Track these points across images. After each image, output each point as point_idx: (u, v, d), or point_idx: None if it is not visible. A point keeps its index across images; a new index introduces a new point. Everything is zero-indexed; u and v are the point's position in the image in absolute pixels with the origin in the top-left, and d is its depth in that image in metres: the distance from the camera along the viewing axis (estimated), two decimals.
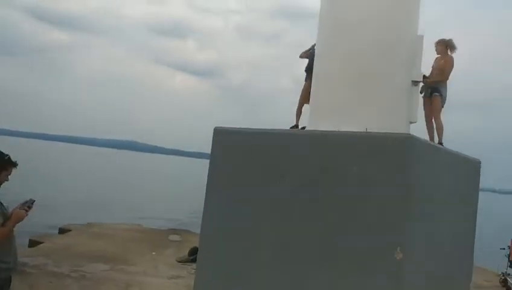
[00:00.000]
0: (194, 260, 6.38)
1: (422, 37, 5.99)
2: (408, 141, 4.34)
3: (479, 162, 6.47)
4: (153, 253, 8.11)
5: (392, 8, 5.56)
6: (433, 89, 5.39)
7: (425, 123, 5.69)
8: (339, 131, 4.92)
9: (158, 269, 7.02)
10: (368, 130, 5.06)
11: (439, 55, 5.49)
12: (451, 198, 5.38)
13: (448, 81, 5.95)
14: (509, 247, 8.99)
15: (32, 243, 7.93)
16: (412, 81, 5.74)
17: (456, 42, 5.54)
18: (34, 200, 3.26)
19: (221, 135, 5.86)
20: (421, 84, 5.65)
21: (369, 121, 5.23)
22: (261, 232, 5.18)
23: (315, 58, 6.07)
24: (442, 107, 5.46)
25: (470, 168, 6.08)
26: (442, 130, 5.41)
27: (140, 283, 6.05)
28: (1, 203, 3.10)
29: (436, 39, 5.93)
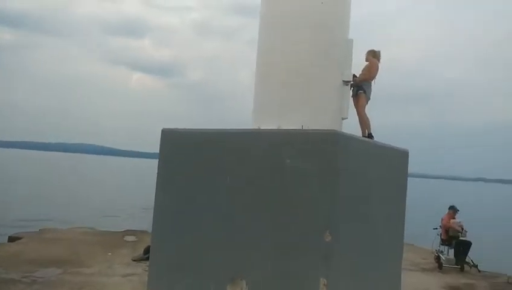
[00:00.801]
0: (149, 258, 6.61)
1: (352, 40, 6.55)
2: (334, 136, 4.84)
3: (407, 152, 7.15)
4: (109, 254, 8.23)
5: (325, 13, 6.07)
6: (359, 88, 5.93)
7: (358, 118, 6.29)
8: (275, 129, 5.36)
9: (113, 268, 7.17)
10: (304, 127, 5.55)
11: (367, 62, 6.11)
12: (380, 185, 5.97)
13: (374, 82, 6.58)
14: (440, 227, 9.85)
15: None
16: (343, 81, 6.29)
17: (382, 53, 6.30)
18: None
19: (168, 136, 6.17)
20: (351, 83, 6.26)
21: (305, 118, 5.72)
22: (206, 225, 5.55)
23: (257, 58, 6.45)
24: (366, 103, 5.98)
25: (398, 157, 6.73)
26: (367, 123, 5.91)
27: (94, 283, 6.20)
28: None
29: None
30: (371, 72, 6.21)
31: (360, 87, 6.05)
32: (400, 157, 6.77)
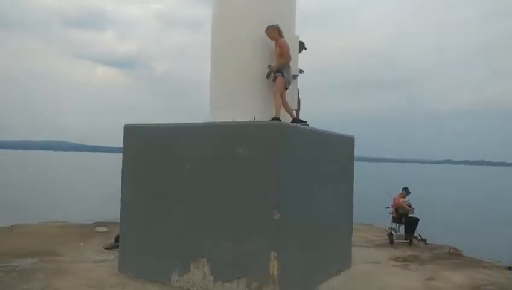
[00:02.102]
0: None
1: (298, 36, 7.21)
2: (280, 127, 5.52)
3: (353, 138, 7.92)
4: (81, 243, 8.65)
5: (271, 12, 6.65)
6: (277, 71, 6.13)
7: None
8: (229, 122, 5.96)
9: (86, 256, 7.61)
10: (256, 119, 6.18)
11: (274, 41, 6.22)
12: (325, 168, 6.69)
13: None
14: (392, 206, 10.74)
15: None
16: (292, 75, 6.91)
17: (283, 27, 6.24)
18: None
19: (130, 131, 6.70)
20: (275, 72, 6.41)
21: (257, 111, 6.35)
22: (169, 210, 6.16)
23: (210, 57, 6.94)
24: (287, 87, 6.22)
25: (343, 143, 7.47)
26: (280, 106, 6.05)
27: (69, 269, 6.64)
28: None
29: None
30: (285, 55, 6.14)
31: (278, 71, 6.14)
32: (346, 143, 7.52)
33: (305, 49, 7.14)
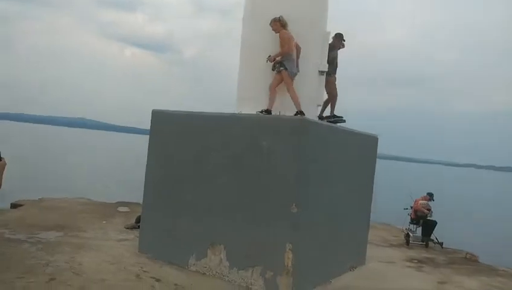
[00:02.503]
0: (140, 227, 7.35)
1: (329, 33, 7.22)
2: (301, 122, 5.58)
3: (377, 137, 7.91)
4: (104, 222, 8.97)
5: (302, 8, 6.70)
6: (280, 64, 6.10)
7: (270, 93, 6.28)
8: (254, 114, 6.07)
9: (108, 234, 7.92)
10: (281, 114, 6.26)
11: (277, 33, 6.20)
12: (348, 166, 6.73)
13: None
14: (411, 207, 10.68)
15: None
16: (319, 71, 6.97)
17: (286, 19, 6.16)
18: None
19: (158, 117, 6.89)
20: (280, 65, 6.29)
21: (284, 105, 6.42)
22: (190, 196, 6.34)
23: (241, 50, 7.04)
24: (292, 79, 6.19)
25: (366, 142, 7.48)
26: (297, 99, 6.07)
27: (92, 245, 6.93)
28: None
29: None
30: (284, 45, 6.04)
31: (281, 64, 6.06)
32: (369, 142, 7.52)
33: (344, 41, 7.21)
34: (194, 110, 6.61)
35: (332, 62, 6.92)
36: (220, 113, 6.31)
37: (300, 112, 5.95)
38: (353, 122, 7.20)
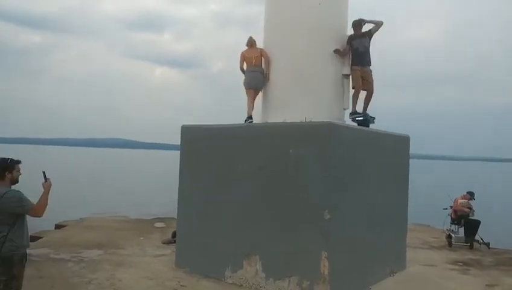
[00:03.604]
0: (176, 241, 7.45)
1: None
2: (329, 127, 5.55)
3: (408, 138, 7.74)
4: (141, 238, 9.17)
5: (323, 13, 6.70)
6: None
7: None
8: (280, 122, 6.08)
9: (145, 250, 8.08)
10: (308, 120, 6.25)
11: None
12: (379, 168, 6.61)
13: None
14: (451, 207, 10.29)
15: (32, 239, 8.87)
16: (343, 74, 6.92)
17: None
18: (43, 171, 4.17)
19: (187, 132, 7.01)
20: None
21: (310, 111, 6.42)
22: (223, 208, 6.39)
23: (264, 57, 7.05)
24: (247, 90, 6.91)
25: (397, 143, 7.33)
26: (248, 107, 6.88)
27: (130, 262, 7.10)
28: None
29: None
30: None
31: None
32: (400, 142, 7.35)
33: (360, 25, 6.77)
34: (222, 123, 6.68)
35: (355, 52, 6.54)
36: (246, 124, 6.36)
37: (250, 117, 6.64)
38: (385, 123, 6.96)
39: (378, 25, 6.57)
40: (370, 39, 6.55)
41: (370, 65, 6.59)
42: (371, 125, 6.78)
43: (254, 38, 6.93)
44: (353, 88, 6.62)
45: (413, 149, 7.61)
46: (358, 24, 6.56)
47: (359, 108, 6.72)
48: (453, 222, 10.15)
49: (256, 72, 6.73)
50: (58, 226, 10.50)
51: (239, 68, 6.97)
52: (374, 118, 6.74)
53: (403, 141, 7.43)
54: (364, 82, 6.53)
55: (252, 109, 6.82)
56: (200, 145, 6.75)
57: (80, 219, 11.53)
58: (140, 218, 12.25)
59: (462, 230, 10.00)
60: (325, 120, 5.99)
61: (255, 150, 6.03)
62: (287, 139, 5.69)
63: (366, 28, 6.69)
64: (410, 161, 7.57)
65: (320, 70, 6.71)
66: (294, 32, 6.64)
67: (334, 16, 6.74)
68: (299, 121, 6.07)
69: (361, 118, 6.60)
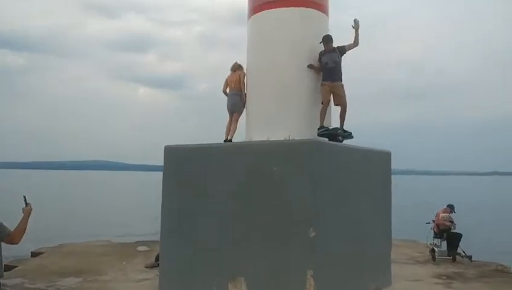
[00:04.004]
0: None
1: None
2: (312, 144, 5.55)
3: (389, 153, 7.80)
4: (124, 263, 8.93)
5: (303, 32, 6.77)
6: None
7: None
8: (264, 141, 6.06)
9: (128, 275, 7.87)
10: (291, 137, 6.25)
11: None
12: (362, 184, 6.62)
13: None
14: (433, 221, 10.38)
15: (7, 268, 8.54)
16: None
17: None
18: (24, 195, 4.06)
19: (170, 152, 6.93)
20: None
21: (293, 128, 6.43)
22: (207, 230, 6.28)
23: (248, 79, 7.09)
24: (229, 113, 7.11)
25: (379, 159, 7.38)
26: (230, 129, 7.05)
27: (111, 288, 6.89)
28: None
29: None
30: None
31: None
32: (382, 158, 7.41)
33: (326, 42, 6.60)
34: (207, 143, 6.62)
35: (325, 68, 6.44)
36: (229, 143, 6.32)
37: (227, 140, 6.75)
38: (365, 139, 6.92)
39: (355, 43, 6.62)
40: (342, 54, 6.54)
41: (341, 80, 6.51)
42: (351, 141, 6.76)
43: (239, 63, 7.07)
44: (322, 103, 6.45)
45: (395, 164, 7.68)
46: (327, 39, 6.50)
47: (332, 124, 6.73)
48: (436, 236, 10.22)
49: (234, 95, 6.92)
50: (34, 254, 10.13)
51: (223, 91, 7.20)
52: (350, 133, 6.60)
53: (384, 157, 7.49)
54: (335, 97, 6.43)
55: (231, 132, 6.84)
56: (184, 166, 6.67)
57: (59, 245, 11.18)
58: (123, 242, 11.97)
59: (445, 244, 10.07)
60: (308, 137, 6.02)
61: (240, 169, 5.98)
62: (270, 157, 5.66)
63: (343, 43, 6.70)
64: (393, 176, 7.63)
65: (303, 88, 6.76)
66: (276, 51, 6.71)
67: (316, 33, 6.82)
68: (282, 138, 6.08)
69: (325, 132, 6.31)
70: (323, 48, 6.58)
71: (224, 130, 7.00)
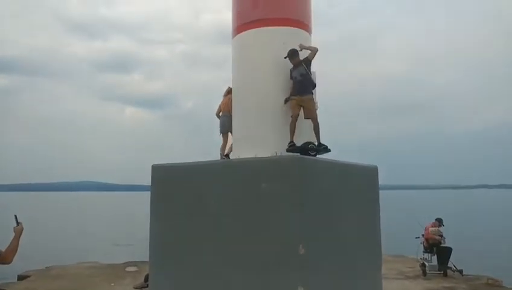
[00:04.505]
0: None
1: (315, 72, 7.36)
2: (298, 160, 5.58)
3: (376, 168, 7.88)
4: (112, 284, 8.80)
5: (287, 48, 6.86)
6: None
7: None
8: (251, 157, 6.09)
9: None
10: (278, 154, 6.28)
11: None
12: (350, 200, 6.66)
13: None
14: (422, 235, 10.45)
15: None
16: None
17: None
18: (15, 214, 4.02)
19: (157, 172, 6.91)
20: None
21: (278, 145, 6.45)
22: (196, 249, 6.22)
23: (232, 96, 7.19)
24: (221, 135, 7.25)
25: (366, 174, 7.44)
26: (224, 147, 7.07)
27: None
28: None
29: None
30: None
31: None
32: (369, 173, 7.47)
33: (291, 57, 6.47)
34: (193, 161, 6.63)
35: (294, 82, 6.40)
36: (215, 161, 6.35)
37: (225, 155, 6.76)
38: (348, 153, 6.95)
39: (313, 51, 6.56)
40: (309, 66, 6.52)
41: (310, 93, 6.40)
42: (339, 156, 6.75)
43: (231, 87, 7.18)
44: (291, 117, 6.32)
45: (382, 180, 7.75)
46: (290, 55, 6.41)
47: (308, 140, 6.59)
48: (425, 250, 10.28)
49: (224, 116, 7.12)
50: (21, 277, 9.92)
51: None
52: (325, 147, 6.48)
53: (371, 172, 7.55)
54: (305, 110, 6.31)
55: (227, 149, 6.95)
56: (171, 185, 6.65)
57: (46, 267, 10.97)
58: (112, 263, 11.79)
59: (435, 258, 10.13)
60: (294, 154, 6.06)
61: (226, 187, 5.98)
62: (258, 174, 5.67)
63: (303, 55, 6.63)
64: (380, 191, 7.70)
65: (287, 106, 6.82)
66: (260, 70, 6.76)
67: (299, 53, 6.94)
68: (270, 155, 6.12)
69: (294, 148, 6.13)
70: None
71: (212, 147, 7.08)
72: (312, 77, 6.51)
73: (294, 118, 6.36)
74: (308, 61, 6.51)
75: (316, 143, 6.37)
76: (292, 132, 6.31)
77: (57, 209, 62.90)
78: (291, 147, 6.20)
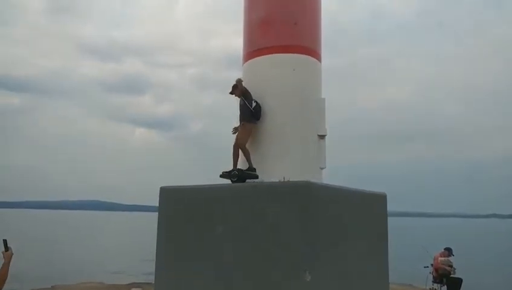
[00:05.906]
0: None
1: (324, 99, 7.48)
2: (306, 186, 5.61)
3: (385, 195, 7.84)
4: None
5: (297, 79, 6.99)
6: None
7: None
8: (259, 182, 6.12)
9: None
10: (285, 179, 6.31)
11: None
12: (357, 227, 6.63)
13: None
14: (431, 265, 10.26)
15: None
16: (318, 135, 7.14)
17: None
18: (5, 239, 3.84)
19: (165, 193, 6.95)
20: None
21: (287, 171, 6.49)
22: (203, 272, 6.21)
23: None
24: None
25: (374, 201, 7.41)
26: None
27: None
28: None
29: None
30: None
31: None
32: (377, 200, 7.44)
33: (237, 87, 6.82)
34: (200, 184, 6.68)
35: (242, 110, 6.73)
36: (223, 184, 6.38)
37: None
38: (356, 179, 6.94)
39: (238, 82, 6.68)
40: (243, 95, 6.67)
41: (244, 120, 6.67)
42: (349, 183, 6.78)
43: None
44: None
45: (390, 207, 7.70)
46: (232, 88, 6.81)
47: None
48: (435, 280, 10.07)
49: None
50: None
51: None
52: (250, 174, 6.36)
53: (380, 199, 7.52)
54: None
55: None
56: (179, 208, 6.69)
57: (51, 286, 10.96)
58: (116, 283, 11.72)
59: (444, 289, 9.92)
60: (302, 180, 6.09)
61: (233, 211, 6.00)
62: (265, 199, 5.70)
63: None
64: (389, 218, 7.64)
65: (296, 131, 6.90)
66: (270, 95, 6.89)
67: (308, 79, 7.04)
68: (277, 181, 6.15)
69: (224, 174, 6.41)
70: (323, 95, 6.78)
71: (221, 169, 6.99)
72: (254, 106, 6.62)
73: (235, 147, 6.59)
74: (246, 93, 6.67)
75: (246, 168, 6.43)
76: (235, 160, 6.52)
77: (60, 228, 62.82)
78: (222, 174, 6.39)
